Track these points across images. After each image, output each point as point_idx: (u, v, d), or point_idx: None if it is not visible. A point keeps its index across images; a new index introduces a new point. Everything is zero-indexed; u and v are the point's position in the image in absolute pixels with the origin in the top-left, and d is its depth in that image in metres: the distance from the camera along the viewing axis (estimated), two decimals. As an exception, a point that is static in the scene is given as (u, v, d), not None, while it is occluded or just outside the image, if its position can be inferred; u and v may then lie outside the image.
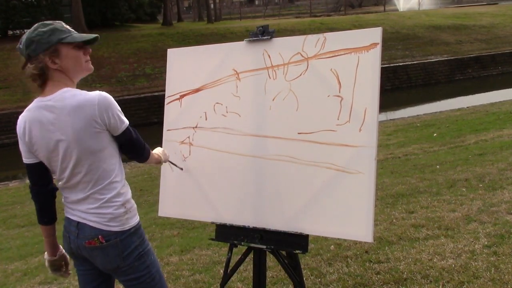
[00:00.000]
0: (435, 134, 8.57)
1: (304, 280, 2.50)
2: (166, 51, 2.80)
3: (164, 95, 2.73)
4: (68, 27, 1.91)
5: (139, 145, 2.01)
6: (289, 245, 2.31)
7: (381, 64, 2.19)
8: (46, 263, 2.12)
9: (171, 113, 2.68)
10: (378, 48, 2.15)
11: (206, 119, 2.55)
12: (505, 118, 9.05)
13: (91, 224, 1.90)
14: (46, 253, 2.10)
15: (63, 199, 2.01)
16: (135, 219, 1.96)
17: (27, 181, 8.53)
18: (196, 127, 2.59)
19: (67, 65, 1.87)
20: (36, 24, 1.87)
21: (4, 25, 21.13)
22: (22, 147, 1.94)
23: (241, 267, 2.98)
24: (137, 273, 1.96)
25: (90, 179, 1.88)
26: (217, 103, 2.53)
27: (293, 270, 2.39)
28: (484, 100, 13.61)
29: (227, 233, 2.48)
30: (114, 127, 1.87)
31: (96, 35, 1.95)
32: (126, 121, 1.91)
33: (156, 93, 15.47)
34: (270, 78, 2.39)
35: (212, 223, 2.52)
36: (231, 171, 2.47)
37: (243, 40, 2.48)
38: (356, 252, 3.44)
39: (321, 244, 3.66)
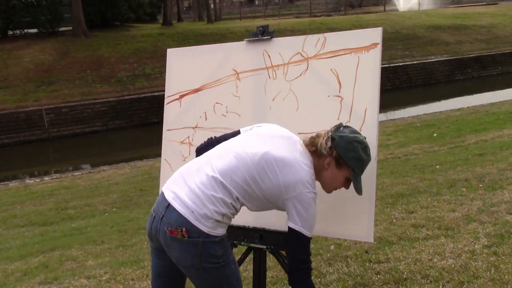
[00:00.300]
0: (435, 134, 8.57)
1: (304, 280, 2.49)
2: (166, 51, 2.80)
3: (164, 95, 2.73)
4: (365, 168, 1.99)
5: (298, 265, 1.89)
6: (289, 245, 2.31)
7: (381, 64, 2.19)
8: None
9: (171, 113, 2.68)
10: (378, 48, 2.15)
11: (206, 119, 2.55)
12: (505, 118, 9.05)
13: (181, 210, 1.82)
14: None
15: (187, 166, 1.97)
16: (222, 230, 1.89)
17: (27, 181, 8.55)
18: (196, 127, 2.59)
19: (328, 175, 1.98)
20: (366, 141, 1.97)
21: (4, 25, 21.10)
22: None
23: (241, 267, 2.97)
24: (214, 281, 1.89)
25: (231, 174, 1.86)
26: (217, 103, 2.53)
27: (293, 270, 2.39)
28: (484, 100, 13.61)
29: (227, 233, 2.48)
30: (290, 216, 1.88)
31: (361, 191, 1.99)
32: (305, 233, 1.88)
33: (156, 93, 15.46)
34: (270, 78, 2.39)
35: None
36: (231, 171, 2.46)
37: (243, 40, 2.48)
38: (356, 252, 3.43)
39: (321, 244, 3.65)
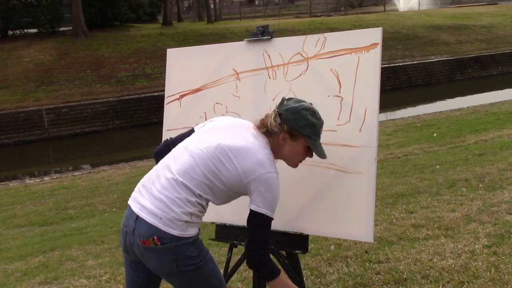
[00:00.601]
0: (435, 134, 8.57)
1: (304, 280, 2.50)
2: (166, 51, 2.80)
3: (164, 95, 2.73)
4: (320, 132, 2.00)
5: (259, 242, 1.87)
6: (289, 245, 2.31)
7: (381, 64, 2.19)
8: None
9: (170, 113, 2.68)
10: (378, 48, 2.15)
11: (206, 119, 2.55)
12: (505, 118, 9.05)
13: (149, 220, 1.82)
14: None
15: (147, 177, 1.96)
16: (194, 230, 1.89)
17: (27, 181, 8.53)
18: (196, 127, 2.58)
19: (287, 151, 1.97)
20: (313, 107, 1.97)
21: (4, 25, 21.09)
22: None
23: (241, 267, 2.97)
24: (195, 282, 1.89)
25: (191, 172, 1.86)
26: (217, 103, 2.52)
27: (293, 270, 2.39)
28: (484, 100, 13.61)
29: (227, 233, 2.48)
30: (252, 199, 1.87)
31: (325, 156, 2.00)
32: (266, 213, 1.86)
33: (156, 93, 15.46)
34: (270, 78, 2.39)
35: (212, 223, 2.52)
36: (231, 171, 2.46)
37: (243, 40, 2.48)
38: (356, 252, 3.43)
39: (321, 244, 3.65)
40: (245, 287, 3.16)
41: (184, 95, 2.64)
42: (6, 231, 5.91)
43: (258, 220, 1.86)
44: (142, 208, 1.85)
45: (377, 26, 2.26)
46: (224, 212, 2.49)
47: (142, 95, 15.80)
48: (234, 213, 2.46)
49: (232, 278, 3.07)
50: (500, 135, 7.40)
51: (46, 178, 9.64)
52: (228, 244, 2.53)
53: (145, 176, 1.98)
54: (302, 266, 2.74)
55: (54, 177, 9.85)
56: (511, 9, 27.36)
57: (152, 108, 15.18)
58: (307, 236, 2.29)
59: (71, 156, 13.80)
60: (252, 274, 2.55)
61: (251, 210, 1.87)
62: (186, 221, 1.84)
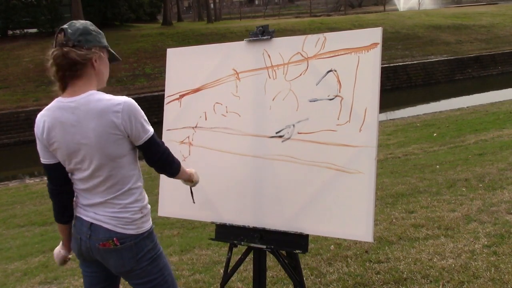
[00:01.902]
0: (435, 134, 8.57)
1: (304, 280, 2.50)
2: (166, 51, 2.79)
3: (163, 95, 2.72)
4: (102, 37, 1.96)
5: (165, 157, 1.94)
6: (289, 245, 2.31)
7: (381, 64, 2.19)
8: (59, 258, 2.09)
9: (170, 113, 2.68)
10: (378, 48, 2.15)
11: (206, 119, 2.55)
12: (505, 118, 9.05)
13: (105, 226, 1.86)
14: (61, 249, 2.08)
15: (75, 200, 1.96)
16: (148, 223, 1.94)
17: (27, 181, 8.49)
18: (195, 127, 2.58)
19: (102, 70, 1.90)
20: (87, 21, 1.89)
21: (4, 25, 21.11)
22: (39, 147, 1.93)
23: (241, 267, 2.98)
24: (151, 276, 1.93)
25: (109, 184, 1.86)
26: (217, 103, 2.52)
27: (293, 270, 2.39)
28: (484, 100, 13.62)
29: (227, 233, 2.48)
30: (136, 136, 1.84)
31: (120, 59, 2.04)
32: (150, 131, 1.87)
33: (156, 93, 15.46)
34: (270, 78, 2.39)
35: (212, 223, 2.52)
36: (231, 171, 2.47)
37: (243, 40, 2.48)
38: (356, 252, 3.44)
39: (321, 244, 3.66)
40: (245, 287, 3.16)
41: (184, 95, 2.64)
42: (6, 231, 5.92)
43: (152, 142, 1.88)
44: (94, 217, 1.89)
45: (377, 26, 2.26)
46: (224, 212, 2.49)
47: (142, 95, 15.79)
48: (234, 213, 2.46)
49: (232, 278, 3.08)
50: (500, 135, 7.41)
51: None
52: (228, 244, 2.53)
53: (79, 202, 1.95)
54: (302, 266, 2.74)
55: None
56: (511, 9, 27.36)
57: (152, 108, 15.13)
58: (307, 236, 2.29)
59: (71, 156, 13.78)
60: (252, 274, 2.55)
61: (142, 144, 1.85)
62: (140, 217, 1.90)
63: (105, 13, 23.58)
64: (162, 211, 2.70)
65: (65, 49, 1.78)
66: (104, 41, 1.90)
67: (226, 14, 42.59)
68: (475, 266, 2.99)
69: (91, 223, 1.88)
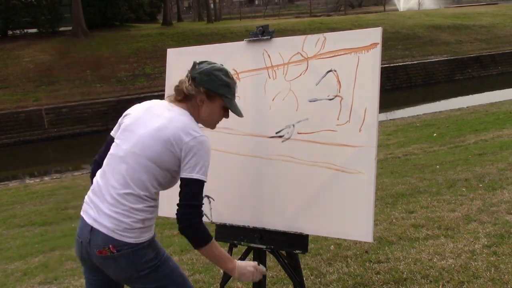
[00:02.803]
0: (435, 134, 8.57)
1: (304, 280, 2.50)
2: (166, 51, 2.80)
3: (164, 95, 2.72)
4: (235, 91, 2.04)
5: (190, 209, 1.83)
6: (289, 245, 2.31)
7: (381, 64, 2.19)
8: None
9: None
10: (378, 48, 2.15)
11: (206, 119, 2.55)
12: (504, 118, 9.05)
13: (104, 231, 1.84)
14: None
15: (94, 183, 1.96)
16: (149, 234, 1.91)
17: (27, 181, 8.50)
18: (196, 127, 2.58)
19: (204, 112, 1.99)
20: (224, 68, 2.02)
21: (4, 25, 21.10)
22: (120, 120, 2.03)
23: (241, 267, 2.97)
24: (157, 283, 1.91)
25: (129, 177, 1.85)
26: (217, 103, 2.52)
27: (293, 270, 2.39)
28: (484, 100, 13.61)
29: (227, 233, 2.48)
30: (183, 167, 1.85)
31: (241, 115, 2.06)
32: (200, 178, 1.83)
33: (156, 93, 15.44)
34: (270, 78, 2.39)
35: (212, 223, 2.52)
36: (231, 171, 2.47)
37: (243, 40, 2.48)
38: (356, 252, 3.43)
39: (321, 244, 3.65)
40: (245, 287, 3.16)
41: (184, 95, 2.64)
42: (6, 231, 5.91)
43: (192, 186, 1.84)
44: (95, 221, 1.88)
45: (377, 26, 2.26)
46: (224, 212, 2.49)
47: (142, 95, 15.78)
48: (234, 213, 2.46)
49: (232, 278, 3.07)
50: (500, 135, 7.40)
51: (46, 178, 9.65)
52: (228, 244, 2.53)
53: (91, 190, 1.97)
54: (302, 266, 2.74)
55: (54, 177, 9.85)
56: (511, 9, 27.36)
57: (152, 108, 15.16)
58: (307, 236, 2.29)
59: (71, 156, 13.79)
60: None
61: (183, 179, 1.85)
62: (140, 228, 1.87)
63: (105, 13, 23.57)
64: (162, 211, 2.70)
65: (184, 78, 2.01)
66: (221, 90, 1.96)
67: (226, 14, 42.57)
68: (475, 266, 2.99)
69: (92, 227, 1.87)
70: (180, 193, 1.85)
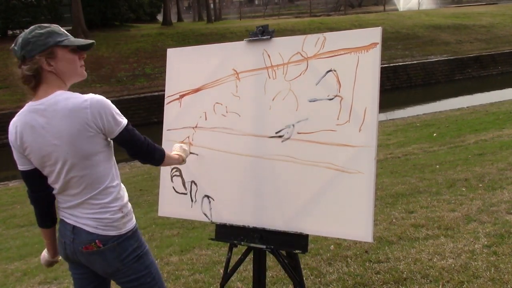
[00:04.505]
0: (435, 134, 8.57)
1: (304, 280, 2.50)
2: (166, 51, 2.80)
3: (163, 95, 2.73)
4: (64, 30, 1.90)
5: (144, 146, 1.92)
6: (289, 245, 2.31)
7: (381, 64, 2.19)
8: (44, 262, 2.13)
9: (170, 113, 2.68)
10: (378, 48, 2.15)
11: (206, 119, 2.55)
12: (504, 118, 9.05)
13: (87, 228, 1.87)
14: (46, 253, 2.11)
15: (57, 204, 1.98)
16: (131, 223, 1.95)
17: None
18: (196, 127, 2.58)
19: (62, 68, 1.85)
20: (32, 26, 1.86)
21: (4, 25, 21.12)
22: (15, 153, 1.94)
23: (241, 267, 2.97)
24: (138, 274, 1.95)
25: (85, 184, 1.85)
26: (217, 103, 2.52)
27: (293, 270, 2.39)
28: (484, 100, 13.61)
29: (227, 233, 2.48)
30: (109, 130, 1.83)
31: (92, 41, 1.95)
32: (123, 122, 1.85)
33: (155, 93, 15.46)
34: (270, 78, 2.39)
35: (212, 223, 2.52)
36: (231, 171, 2.47)
37: (243, 40, 2.48)
38: (356, 252, 3.44)
39: (321, 244, 3.66)
40: (245, 287, 3.16)
41: (184, 95, 2.65)
42: (6, 231, 5.92)
43: (130, 129, 1.87)
44: (77, 221, 1.89)
45: (377, 26, 2.26)
46: (224, 212, 2.49)
47: (142, 95, 15.81)
48: (234, 213, 2.46)
49: (232, 278, 3.08)
50: (500, 135, 7.41)
51: (46, 178, 9.62)
52: (228, 244, 2.53)
53: (60, 208, 1.97)
54: (302, 266, 2.74)
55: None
56: (511, 9, 27.36)
57: (152, 108, 15.19)
58: (307, 236, 2.29)
59: (71, 156, 13.77)
60: (252, 274, 2.55)
61: (119, 136, 1.84)
62: (121, 217, 1.90)
63: (105, 13, 23.58)
64: (162, 211, 2.71)
65: (19, 69, 1.84)
66: (51, 40, 1.81)
67: (226, 14, 42.58)
68: (475, 266, 2.99)
69: (74, 226, 1.89)
70: (126, 146, 1.88)
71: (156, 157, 2.01)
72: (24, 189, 7.17)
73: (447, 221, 3.78)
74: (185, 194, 2.61)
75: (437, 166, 5.79)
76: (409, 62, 19.19)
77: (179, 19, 33.91)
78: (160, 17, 30.64)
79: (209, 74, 2.56)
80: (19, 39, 1.84)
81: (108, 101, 1.83)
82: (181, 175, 2.63)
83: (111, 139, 1.88)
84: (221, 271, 3.33)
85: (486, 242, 3.31)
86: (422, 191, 4.72)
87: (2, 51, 18.11)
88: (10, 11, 20.90)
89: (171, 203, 2.66)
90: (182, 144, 2.39)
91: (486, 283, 2.79)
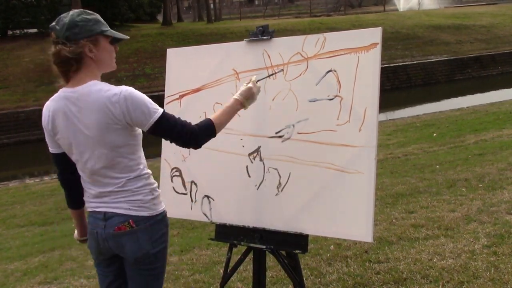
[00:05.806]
0: (435, 134, 8.56)
1: (304, 280, 2.50)
2: (165, 51, 2.80)
3: (163, 95, 2.73)
4: (101, 19, 1.94)
5: (182, 132, 1.86)
6: (289, 245, 2.31)
7: (381, 64, 2.19)
8: (76, 239, 2.19)
9: (170, 113, 2.67)
10: (378, 48, 2.15)
11: (206, 119, 2.55)
12: (504, 118, 9.05)
13: (119, 211, 1.86)
14: (76, 233, 2.15)
15: (85, 197, 1.97)
16: (161, 206, 1.96)
17: (27, 181, 8.51)
18: (196, 127, 2.58)
19: (101, 56, 1.89)
20: (77, 10, 1.90)
21: (4, 25, 21.11)
22: (46, 136, 1.96)
23: (241, 267, 2.97)
24: (157, 263, 1.94)
25: (113, 174, 1.86)
26: (216, 103, 2.53)
27: (293, 270, 2.39)
28: (484, 100, 13.61)
29: (227, 233, 2.48)
30: (139, 123, 1.82)
31: (127, 36, 1.98)
32: (157, 113, 1.82)
33: (156, 93, 15.39)
34: (270, 78, 2.39)
35: (212, 223, 2.52)
36: (231, 171, 2.47)
37: (243, 40, 2.48)
38: (356, 252, 3.44)
39: (321, 244, 3.65)
40: (245, 287, 3.16)
41: (184, 95, 2.65)
42: (6, 231, 5.92)
43: (163, 121, 1.84)
44: (108, 207, 1.89)
45: (377, 26, 2.26)
46: (224, 212, 2.49)
47: (142, 95, 15.77)
48: (234, 213, 2.46)
49: (232, 278, 3.08)
50: (500, 135, 7.40)
51: (46, 178, 9.63)
52: (228, 244, 2.53)
53: (86, 194, 1.97)
54: (302, 266, 2.74)
55: (54, 177, 9.81)
56: (511, 9, 27.35)
57: (152, 108, 15.14)
58: (307, 236, 2.29)
59: (71, 156, 13.77)
60: (252, 274, 2.55)
61: (154, 125, 1.82)
62: (152, 199, 1.90)
63: (105, 13, 23.51)
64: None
65: (57, 47, 1.82)
66: (97, 28, 1.85)
67: (226, 14, 42.56)
68: (475, 266, 2.99)
69: (105, 212, 1.88)
70: (163, 134, 1.87)
71: (204, 138, 1.92)
72: (24, 189, 7.17)
73: (447, 221, 3.78)
74: (185, 194, 2.61)
75: (437, 166, 5.79)
76: (409, 62, 19.19)
77: (179, 19, 33.89)
78: (160, 17, 30.62)
79: (209, 74, 2.56)
80: (65, 19, 1.85)
81: (139, 95, 1.84)
82: (181, 175, 2.63)
83: (143, 131, 1.89)
84: (221, 271, 3.33)
85: (486, 242, 3.31)
86: (422, 191, 4.72)
87: (2, 51, 18.12)
88: (10, 11, 20.89)
89: (171, 203, 2.66)
90: (246, 85, 2.15)
91: (486, 283, 2.79)
